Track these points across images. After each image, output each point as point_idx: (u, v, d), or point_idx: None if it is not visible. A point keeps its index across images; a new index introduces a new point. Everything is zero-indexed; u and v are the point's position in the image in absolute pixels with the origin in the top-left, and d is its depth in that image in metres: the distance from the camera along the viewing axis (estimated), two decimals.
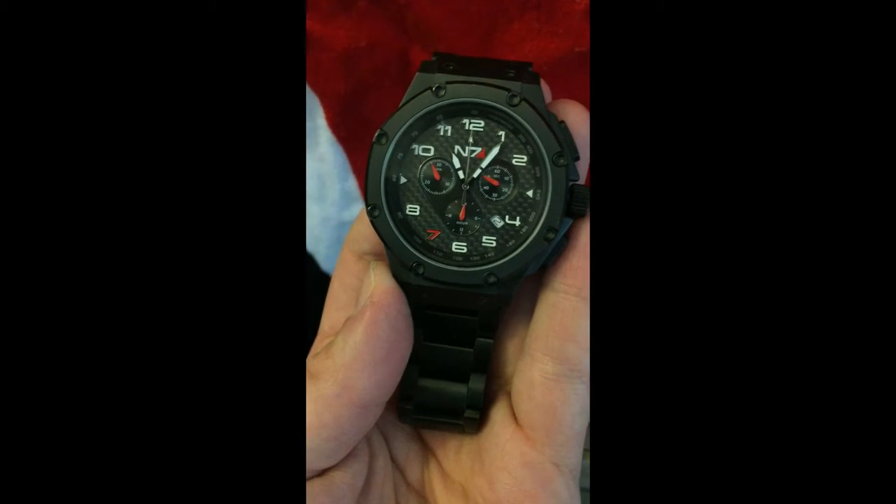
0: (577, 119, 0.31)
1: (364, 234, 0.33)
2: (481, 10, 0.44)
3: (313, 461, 0.29)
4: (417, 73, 0.31)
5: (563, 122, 0.31)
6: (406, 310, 0.30)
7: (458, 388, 0.33)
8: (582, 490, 0.31)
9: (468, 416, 0.32)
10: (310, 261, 0.59)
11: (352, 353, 0.29)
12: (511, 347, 0.33)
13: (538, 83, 0.30)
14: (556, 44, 0.47)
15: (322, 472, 0.30)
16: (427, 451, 0.35)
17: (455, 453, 0.33)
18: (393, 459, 0.34)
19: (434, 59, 0.31)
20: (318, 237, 0.57)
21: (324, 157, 0.52)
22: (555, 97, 0.45)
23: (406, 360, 0.30)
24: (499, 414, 0.32)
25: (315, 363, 0.29)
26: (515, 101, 0.30)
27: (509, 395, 0.32)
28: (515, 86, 0.30)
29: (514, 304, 0.33)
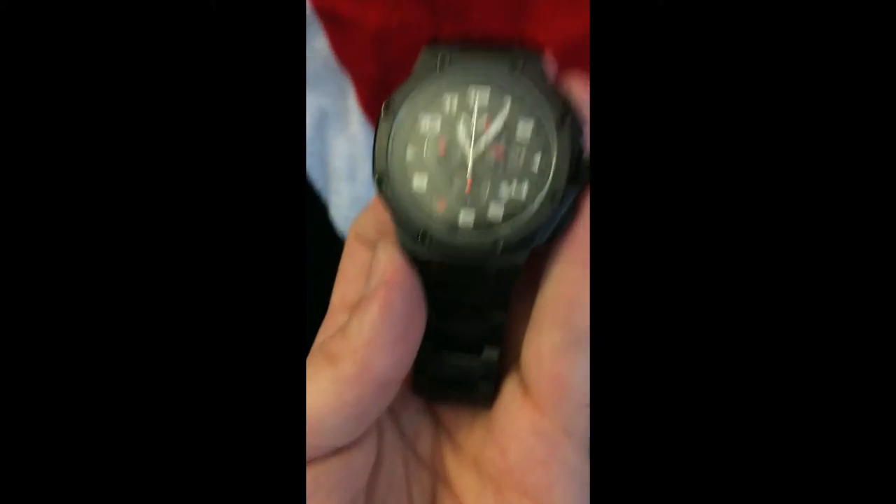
0: (579, 91, 0.31)
1: (371, 221, 0.33)
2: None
3: (334, 439, 0.30)
4: (424, 48, 0.31)
5: (567, 94, 0.31)
6: (418, 284, 0.30)
7: (472, 360, 0.33)
8: None
9: (481, 387, 0.33)
10: (340, 242, 0.60)
11: (369, 332, 0.29)
12: (522, 322, 0.33)
13: (541, 53, 0.30)
14: (586, 21, 0.47)
15: (340, 450, 0.30)
16: (438, 425, 0.35)
17: (468, 426, 0.34)
18: (402, 434, 0.34)
19: (436, 38, 0.32)
20: (347, 217, 0.58)
21: (355, 137, 0.53)
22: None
23: (422, 334, 0.30)
24: (509, 386, 0.32)
25: (332, 345, 0.30)
26: (518, 65, 0.30)
27: (519, 368, 0.32)
28: (518, 55, 0.30)
29: (525, 280, 0.33)
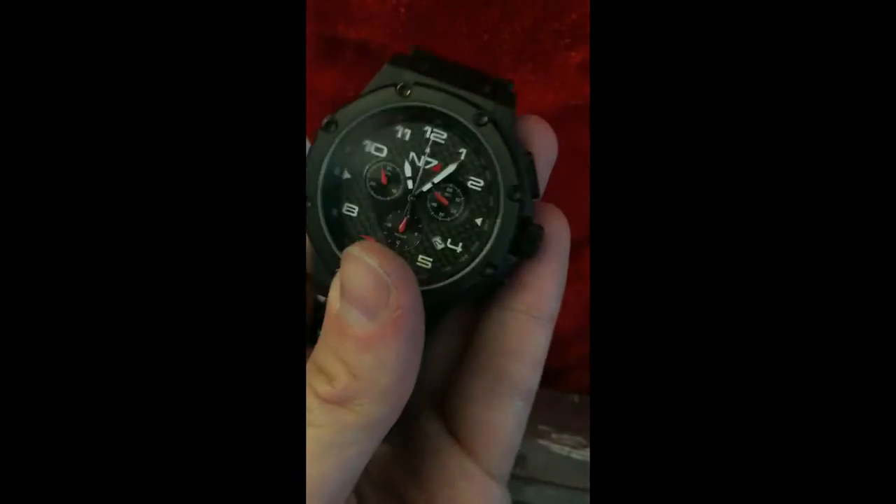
0: (545, 149, 0.29)
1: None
2: (475, 62, 0.43)
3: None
4: (386, 65, 0.28)
5: (530, 153, 0.28)
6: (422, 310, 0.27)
7: None
8: None
9: None
10: None
11: (385, 375, 0.25)
12: (441, 360, 0.32)
13: (513, 106, 0.28)
14: (551, 96, 0.46)
15: None
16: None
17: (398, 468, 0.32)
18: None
19: (411, 53, 0.29)
20: None
21: None
22: None
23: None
24: (433, 427, 0.31)
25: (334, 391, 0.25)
26: (483, 120, 0.27)
27: (441, 408, 0.31)
28: (488, 104, 0.27)
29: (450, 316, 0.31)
